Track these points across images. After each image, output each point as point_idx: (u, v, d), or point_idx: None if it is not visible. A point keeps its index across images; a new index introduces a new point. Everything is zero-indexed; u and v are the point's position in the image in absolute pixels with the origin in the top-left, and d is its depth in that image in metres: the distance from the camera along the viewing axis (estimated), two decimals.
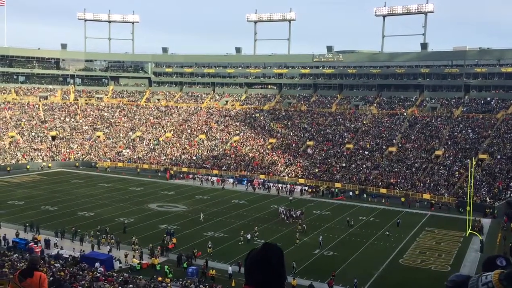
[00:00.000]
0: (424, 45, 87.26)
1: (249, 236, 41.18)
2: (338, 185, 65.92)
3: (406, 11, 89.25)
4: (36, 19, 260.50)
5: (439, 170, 65.47)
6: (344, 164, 71.11)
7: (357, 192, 62.67)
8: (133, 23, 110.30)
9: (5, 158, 76.29)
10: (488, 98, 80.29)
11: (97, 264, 32.55)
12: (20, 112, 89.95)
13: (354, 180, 66.60)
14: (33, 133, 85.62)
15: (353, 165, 70.53)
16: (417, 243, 42.44)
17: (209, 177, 70.79)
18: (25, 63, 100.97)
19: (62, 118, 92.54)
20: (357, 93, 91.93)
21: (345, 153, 74.21)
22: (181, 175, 72.81)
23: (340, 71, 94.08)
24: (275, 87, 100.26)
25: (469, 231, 44.12)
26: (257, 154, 78.04)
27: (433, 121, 77.79)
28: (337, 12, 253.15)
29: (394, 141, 74.92)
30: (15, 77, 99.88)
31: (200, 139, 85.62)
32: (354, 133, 79.29)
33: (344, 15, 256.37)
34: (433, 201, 57.65)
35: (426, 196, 59.97)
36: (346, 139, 77.78)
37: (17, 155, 78.32)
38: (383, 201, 59.19)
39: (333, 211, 54.12)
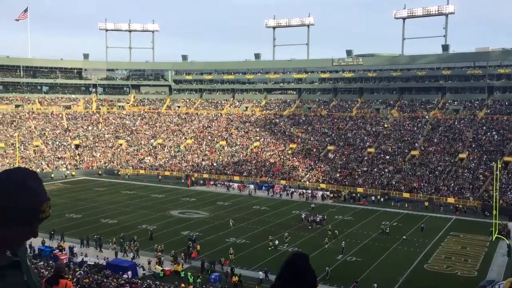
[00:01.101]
0: (445, 47, 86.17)
1: (277, 241, 41.10)
2: (360, 189, 65.30)
3: (426, 13, 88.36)
4: (59, 30, 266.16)
5: (463, 173, 64.35)
6: (365, 169, 70.46)
7: (379, 197, 62.00)
8: (153, 32, 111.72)
9: (30, 167, 77.65)
10: None
11: (129, 272, 32.82)
12: (44, 122, 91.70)
13: (376, 184, 65.90)
14: (57, 142, 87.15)
15: (375, 169, 69.82)
16: (442, 248, 41.72)
17: (230, 183, 70.76)
18: (49, 73, 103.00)
19: (85, 127, 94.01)
20: (378, 97, 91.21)
21: (366, 157, 73.54)
22: (202, 182, 73.11)
23: (360, 75, 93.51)
24: (294, 92, 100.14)
25: (496, 235, 43.17)
26: (277, 160, 77.92)
27: (456, 123, 76.59)
28: (356, 16, 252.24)
29: (416, 144, 73.97)
30: (39, 87, 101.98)
31: (221, 146, 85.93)
32: (375, 137, 78.56)
33: (363, 18, 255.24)
34: (458, 205, 56.64)
35: (451, 200, 58.97)
36: (368, 143, 77.10)
37: (41, 164, 79.77)
38: (406, 206, 58.40)
39: (355, 216, 53.61)
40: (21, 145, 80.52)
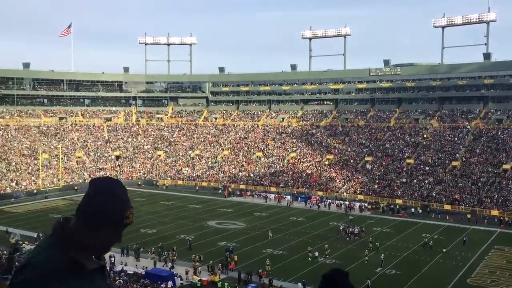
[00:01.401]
0: (487, 55, 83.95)
1: (316, 253, 40.80)
2: (399, 201, 64.07)
3: (466, 21, 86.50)
4: (100, 44, 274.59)
5: (507, 184, 62.16)
6: (404, 180, 69.10)
7: (419, 209, 60.62)
8: (190, 45, 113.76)
9: (73, 178, 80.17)
10: None
11: (169, 282, 33.28)
12: (86, 134, 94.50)
13: (416, 196, 64.50)
14: (98, 153, 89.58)
15: (415, 181, 68.38)
16: (486, 261, 40.32)
17: (267, 194, 70.64)
18: (91, 86, 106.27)
19: (125, 139, 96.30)
20: (417, 107, 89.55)
21: (405, 168, 72.16)
22: (239, 193, 73.42)
23: (398, 85, 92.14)
24: (331, 103, 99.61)
25: None
26: (314, 171, 77.47)
27: (499, 133, 74.22)
28: (393, 25, 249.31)
29: (457, 155, 72.06)
30: (81, 100, 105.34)
31: (257, 157, 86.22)
32: (415, 148, 77.04)
33: (401, 28, 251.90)
34: (502, 218, 54.70)
35: (494, 212, 57.04)
36: (406, 154, 75.68)
37: (83, 174, 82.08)
38: (447, 218, 56.86)
39: (394, 228, 52.57)
40: (64, 156, 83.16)
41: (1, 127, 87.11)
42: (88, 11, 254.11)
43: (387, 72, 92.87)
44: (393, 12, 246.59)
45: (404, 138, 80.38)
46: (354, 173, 74.56)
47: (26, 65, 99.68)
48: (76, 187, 76.34)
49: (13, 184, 72.61)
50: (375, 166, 74.85)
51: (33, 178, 75.79)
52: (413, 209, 60.75)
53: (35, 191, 72.28)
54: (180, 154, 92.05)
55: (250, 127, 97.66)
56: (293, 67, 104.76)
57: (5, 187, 71.12)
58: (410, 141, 79.28)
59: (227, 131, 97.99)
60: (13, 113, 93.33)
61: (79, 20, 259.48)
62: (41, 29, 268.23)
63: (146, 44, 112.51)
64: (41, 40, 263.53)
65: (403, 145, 78.57)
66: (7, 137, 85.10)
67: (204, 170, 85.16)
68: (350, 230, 48.82)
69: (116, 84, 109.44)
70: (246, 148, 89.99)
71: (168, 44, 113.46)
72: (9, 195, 68.91)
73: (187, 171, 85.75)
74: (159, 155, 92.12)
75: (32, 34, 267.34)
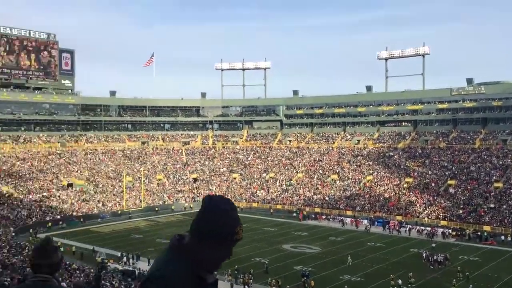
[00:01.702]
0: None
1: (400, 281, 39.03)
2: (486, 228, 59.95)
3: None
4: (180, 71, 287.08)
5: None
6: (492, 205, 64.71)
7: (509, 237, 56.30)
8: (265, 69, 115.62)
9: (154, 200, 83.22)
10: None
11: None
12: (166, 157, 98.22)
13: (506, 223, 60.04)
14: (177, 176, 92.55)
15: (504, 206, 63.80)
16: None
17: (341, 218, 69.05)
18: (170, 112, 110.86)
19: (202, 162, 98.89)
20: (504, 127, 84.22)
21: (493, 193, 67.65)
22: (314, 216, 72.40)
23: (483, 104, 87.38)
24: (409, 124, 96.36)
25: None
26: (392, 194, 74.77)
27: None
28: (475, 42, 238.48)
29: None
30: (162, 125, 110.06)
31: (332, 179, 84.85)
32: (503, 171, 72.14)
33: (483, 44, 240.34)
34: None
35: None
36: (494, 177, 71.01)
37: (163, 196, 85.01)
38: None
39: (482, 257, 49.13)
40: (146, 179, 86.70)
41: (90, 151, 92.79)
42: (169, 41, 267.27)
43: (471, 91, 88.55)
44: (474, 29, 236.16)
45: (491, 161, 75.63)
46: (435, 197, 71.05)
47: (113, 93, 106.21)
48: (156, 208, 79.12)
49: (100, 205, 76.62)
50: (459, 190, 70.89)
51: (117, 199, 79.56)
52: (503, 237, 56.54)
53: (119, 211, 75.76)
54: (255, 176, 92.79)
55: (324, 149, 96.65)
56: (369, 88, 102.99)
57: (93, 207, 75.20)
58: (497, 163, 74.44)
59: (301, 153, 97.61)
60: (100, 138, 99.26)
61: (160, 49, 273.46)
62: (126, 58, 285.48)
63: (222, 70, 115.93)
64: (126, 69, 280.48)
65: (490, 168, 73.90)
66: (95, 160, 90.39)
67: (279, 192, 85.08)
68: (434, 257, 46.27)
69: (194, 109, 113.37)
70: (320, 171, 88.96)
71: (243, 69, 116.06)
72: (96, 216, 72.74)
73: (262, 193, 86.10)
74: (235, 178, 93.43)
75: (118, 63, 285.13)
